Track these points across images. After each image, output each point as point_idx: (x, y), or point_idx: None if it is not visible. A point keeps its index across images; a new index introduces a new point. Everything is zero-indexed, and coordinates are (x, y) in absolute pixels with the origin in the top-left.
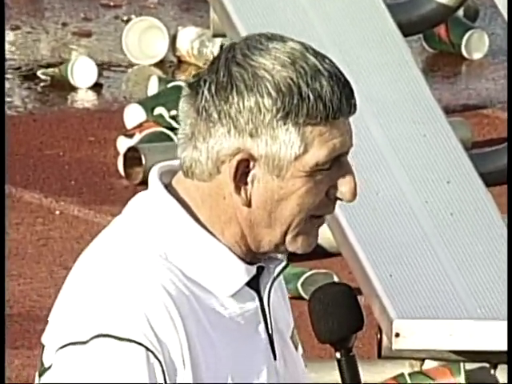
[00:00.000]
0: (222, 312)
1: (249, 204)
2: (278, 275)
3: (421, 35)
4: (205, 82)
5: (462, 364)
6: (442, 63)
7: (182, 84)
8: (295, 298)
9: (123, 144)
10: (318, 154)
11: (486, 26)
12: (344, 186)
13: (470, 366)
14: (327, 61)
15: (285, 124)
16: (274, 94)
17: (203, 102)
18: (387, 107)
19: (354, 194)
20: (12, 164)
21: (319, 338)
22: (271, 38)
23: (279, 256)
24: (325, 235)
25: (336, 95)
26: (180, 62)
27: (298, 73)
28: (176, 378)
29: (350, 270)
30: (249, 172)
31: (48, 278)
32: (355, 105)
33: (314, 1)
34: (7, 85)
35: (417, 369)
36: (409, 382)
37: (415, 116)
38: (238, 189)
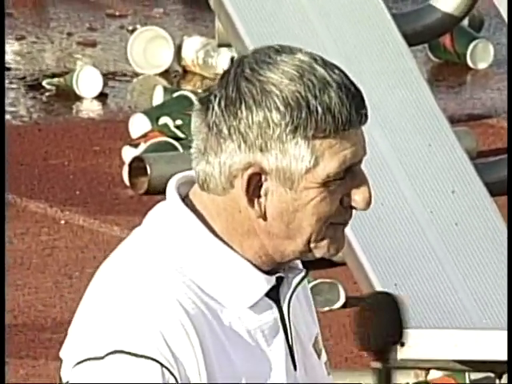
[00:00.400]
0: (239, 326)
1: (264, 217)
2: (298, 284)
3: (426, 45)
4: (215, 97)
5: (467, 374)
6: (447, 73)
7: (187, 94)
8: None
9: (128, 154)
10: (329, 166)
11: (490, 35)
12: (358, 195)
13: (475, 375)
14: (336, 71)
15: (294, 138)
16: (282, 108)
17: (213, 117)
18: (392, 117)
19: (369, 203)
20: (17, 174)
21: (365, 344)
22: (280, 50)
23: (299, 266)
24: None
25: (345, 107)
26: (185, 71)
27: (306, 86)
28: None
29: (354, 280)
30: (261, 185)
31: (53, 287)
32: (366, 115)
33: (319, 10)
34: (12, 94)
35: (422, 379)
36: None
37: (420, 125)
38: (251, 202)
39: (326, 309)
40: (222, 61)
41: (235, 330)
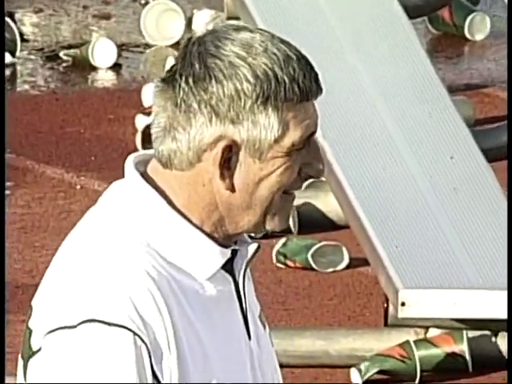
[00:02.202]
0: (200, 293)
1: (232, 188)
2: (252, 258)
3: (425, 18)
4: (181, 75)
5: (464, 332)
6: (446, 44)
7: None
8: (306, 268)
9: (141, 122)
10: (294, 135)
11: (487, 8)
12: (315, 164)
13: (472, 333)
14: (293, 47)
15: (265, 108)
16: (252, 80)
17: (181, 94)
18: (394, 87)
19: (322, 171)
20: (35, 141)
21: None
22: (238, 29)
23: (249, 240)
24: (334, 209)
25: (307, 77)
26: None
27: (271, 59)
28: (162, 359)
29: (357, 242)
30: (231, 158)
31: None
32: (321, 88)
33: None
34: (30, 65)
35: (421, 336)
36: (414, 349)
37: (420, 95)
38: (222, 175)
39: (330, 270)
40: None
41: (197, 299)
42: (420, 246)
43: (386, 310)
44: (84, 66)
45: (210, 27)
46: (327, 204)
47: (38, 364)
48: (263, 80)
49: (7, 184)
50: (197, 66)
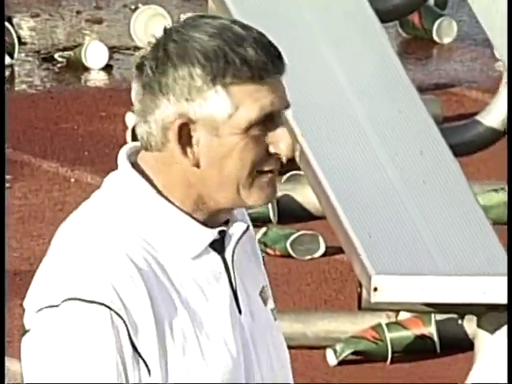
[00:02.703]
0: (185, 275)
1: (197, 165)
2: (241, 237)
3: (396, 22)
4: (147, 60)
5: (432, 315)
6: (416, 47)
7: None
8: (285, 256)
9: (131, 119)
10: (249, 112)
11: (454, 13)
12: (280, 143)
13: (439, 316)
14: (254, 30)
15: (214, 86)
16: (202, 61)
17: (147, 78)
18: (367, 86)
19: (291, 150)
20: (32, 136)
21: None
22: (204, 16)
23: (242, 220)
24: (311, 200)
25: (261, 58)
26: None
27: (223, 41)
28: (140, 335)
29: (333, 232)
30: (192, 135)
31: None
32: (282, 67)
33: None
34: (28, 66)
35: (393, 319)
36: (386, 331)
37: (391, 94)
38: (184, 151)
39: (308, 257)
40: None
41: (182, 279)
42: (391, 235)
43: (360, 295)
44: (77, 67)
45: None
46: (305, 196)
47: (28, 342)
48: (212, 60)
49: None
50: (160, 51)
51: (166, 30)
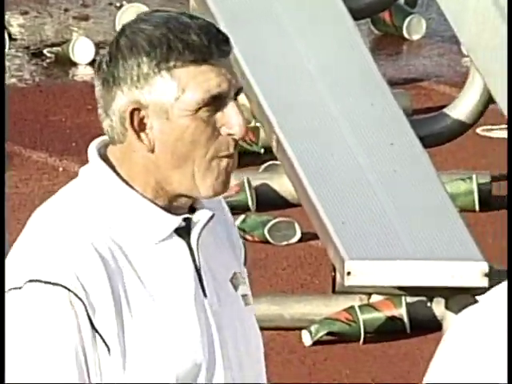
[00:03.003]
0: (148, 259)
1: (152, 149)
2: (206, 224)
3: (369, 19)
4: (104, 57)
5: (403, 298)
6: (386, 43)
7: None
8: (262, 242)
9: None
10: (195, 94)
11: (423, 11)
12: (232, 123)
13: (409, 299)
14: (202, 20)
15: (159, 72)
16: (148, 49)
17: (103, 73)
18: (340, 81)
19: (242, 129)
20: (22, 128)
21: None
22: (157, 11)
23: (206, 208)
24: (287, 189)
25: (203, 42)
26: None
27: (168, 29)
28: (99, 316)
29: (308, 219)
30: (144, 121)
31: None
32: (228, 51)
33: None
34: (18, 61)
35: (365, 302)
36: (358, 313)
37: (364, 88)
38: (139, 137)
39: (284, 243)
40: None
41: (145, 263)
42: (364, 222)
43: (334, 279)
44: (65, 62)
45: None
46: (282, 185)
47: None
48: (157, 47)
49: None
50: (113, 47)
51: (121, 27)
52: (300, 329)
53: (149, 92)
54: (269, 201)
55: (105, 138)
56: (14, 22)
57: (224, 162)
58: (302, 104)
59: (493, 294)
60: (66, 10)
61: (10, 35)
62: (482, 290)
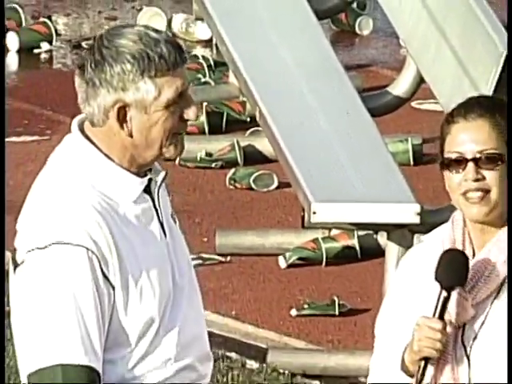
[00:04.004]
0: (129, 213)
1: (131, 135)
2: (162, 182)
3: (329, 19)
4: (87, 61)
5: (355, 231)
6: (343, 37)
7: None
8: (249, 189)
9: None
10: (167, 94)
11: (371, 13)
12: (190, 111)
13: (360, 232)
14: (163, 34)
15: (142, 78)
16: (132, 60)
17: (89, 75)
18: (309, 67)
19: (196, 114)
20: (65, 102)
21: (444, 281)
22: (125, 27)
23: (160, 170)
24: (268, 149)
25: (172, 54)
26: (174, 36)
27: (144, 44)
28: (108, 263)
29: (283, 171)
30: (126, 114)
31: None
32: (186, 58)
33: None
34: (62, 51)
35: (326, 234)
36: (321, 243)
37: (327, 72)
38: (122, 126)
39: (265, 190)
40: (198, 29)
41: (128, 217)
42: (326, 173)
43: (303, 217)
44: None
45: (184, 25)
46: (263, 145)
47: (21, 273)
48: (139, 59)
49: (39, 127)
50: (96, 55)
51: (98, 38)
52: (277, 255)
53: (133, 93)
54: (253, 158)
55: (82, 116)
56: (60, 21)
57: (180, 136)
58: (279, 84)
59: (429, 237)
60: (100, 12)
61: (56, 31)
62: (414, 225)
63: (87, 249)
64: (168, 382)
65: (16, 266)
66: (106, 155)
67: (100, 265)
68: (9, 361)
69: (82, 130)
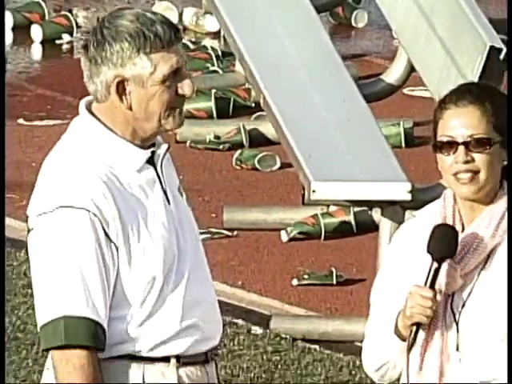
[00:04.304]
0: (133, 182)
1: (130, 107)
2: (165, 154)
3: (327, 12)
4: (90, 42)
5: (351, 208)
6: (340, 30)
7: (186, 42)
8: (254, 169)
9: None
10: (163, 69)
11: (366, 6)
12: (185, 86)
13: (356, 209)
14: (159, 16)
15: (138, 55)
16: (129, 39)
17: (91, 54)
18: (310, 58)
19: (191, 89)
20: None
21: (435, 253)
22: (125, 9)
23: (163, 143)
24: (271, 132)
25: (166, 33)
26: (185, 29)
27: (140, 23)
28: (111, 227)
29: (285, 152)
30: (126, 88)
31: None
32: (180, 38)
33: None
34: (82, 42)
35: (325, 211)
36: (320, 218)
37: (325, 62)
38: (121, 99)
39: (269, 170)
40: (207, 22)
41: (131, 186)
42: (325, 154)
43: (303, 195)
44: None
45: (194, 18)
46: (267, 129)
47: (32, 238)
48: (135, 37)
49: (61, 112)
50: (98, 35)
51: (100, 20)
52: (279, 230)
53: (130, 69)
54: (258, 140)
55: (89, 97)
56: (80, 15)
57: (178, 110)
58: (282, 73)
59: (422, 212)
60: (116, 6)
61: (76, 24)
62: (406, 202)
63: (89, 211)
64: (172, 340)
65: (29, 231)
66: (110, 129)
67: (102, 226)
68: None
69: (89, 110)
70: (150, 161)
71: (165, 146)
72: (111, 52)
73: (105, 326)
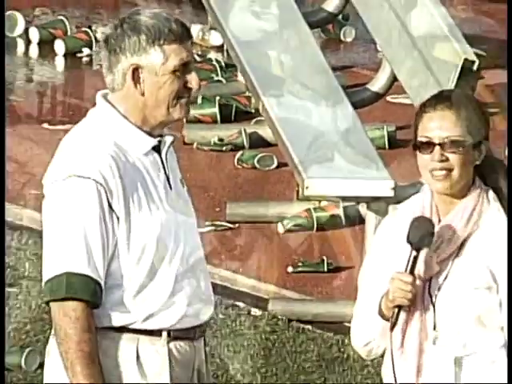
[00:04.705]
0: (139, 163)
1: (143, 93)
2: (170, 144)
3: (319, 29)
4: (111, 35)
5: (341, 202)
6: (330, 44)
7: (194, 55)
8: (253, 168)
9: None
10: (174, 61)
11: (353, 23)
12: (192, 80)
13: (345, 203)
14: (174, 17)
15: (153, 46)
16: (146, 31)
17: (111, 46)
18: (303, 68)
19: (198, 83)
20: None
21: (414, 243)
22: (143, 9)
23: (169, 135)
24: (269, 135)
25: (180, 29)
26: (192, 43)
27: (157, 20)
28: (114, 198)
29: (282, 154)
30: (140, 76)
31: None
32: (190, 35)
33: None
34: (101, 56)
35: (317, 205)
36: (313, 212)
37: (317, 72)
38: (135, 85)
39: (267, 169)
40: (212, 37)
41: (137, 166)
42: (317, 155)
43: (298, 191)
44: None
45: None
46: (266, 132)
47: (45, 203)
48: (151, 31)
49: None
50: (118, 29)
51: (122, 18)
52: (276, 222)
53: (145, 58)
54: (257, 142)
55: (105, 90)
56: (99, 30)
57: (185, 100)
58: (278, 82)
59: (402, 206)
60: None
61: (95, 39)
62: (389, 198)
63: (96, 181)
64: (163, 311)
65: (43, 197)
66: (123, 116)
67: (107, 196)
68: None
69: (105, 99)
70: (157, 148)
71: (170, 138)
72: (129, 43)
73: (102, 285)
